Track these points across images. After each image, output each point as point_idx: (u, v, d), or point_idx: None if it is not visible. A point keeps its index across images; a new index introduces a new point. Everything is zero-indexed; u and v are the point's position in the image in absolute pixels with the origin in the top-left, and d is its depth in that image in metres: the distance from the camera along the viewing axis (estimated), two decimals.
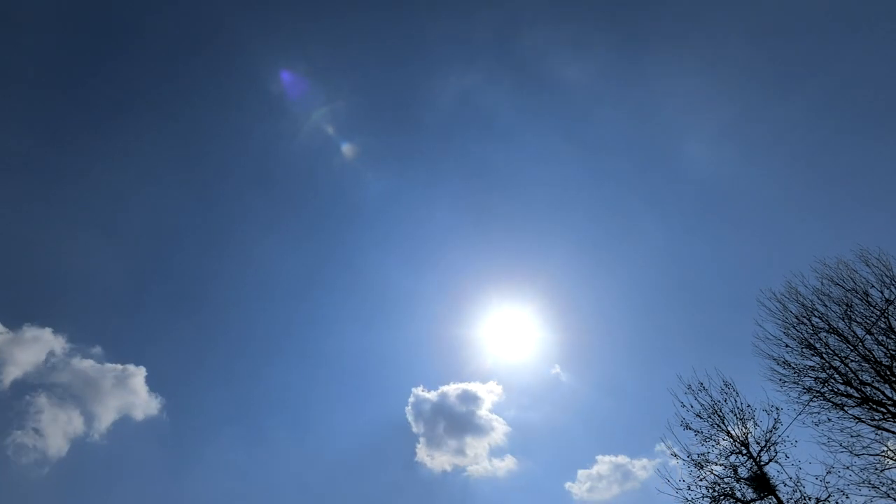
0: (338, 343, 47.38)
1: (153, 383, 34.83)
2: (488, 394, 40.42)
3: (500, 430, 38.40)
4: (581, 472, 36.13)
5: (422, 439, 38.87)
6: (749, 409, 12.59)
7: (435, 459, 37.37)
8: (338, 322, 48.28)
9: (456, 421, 38.25)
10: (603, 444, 41.86)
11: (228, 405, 40.03)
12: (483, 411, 39.19)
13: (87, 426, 31.83)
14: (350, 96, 48.27)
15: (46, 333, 33.10)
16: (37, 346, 32.48)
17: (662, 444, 13.03)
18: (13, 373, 30.88)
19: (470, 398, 39.93)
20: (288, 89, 43.98)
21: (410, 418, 38.53)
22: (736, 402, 12.74)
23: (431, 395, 39.57)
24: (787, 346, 13.08)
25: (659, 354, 43.45)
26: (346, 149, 45.87)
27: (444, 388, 40.25)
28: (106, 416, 32.62)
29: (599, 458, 36.58)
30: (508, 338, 45.79)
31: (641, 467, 34.95)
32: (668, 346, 44.08)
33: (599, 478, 36.11)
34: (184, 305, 44.44)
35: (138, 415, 33.79)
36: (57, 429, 30.52)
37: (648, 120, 46.74)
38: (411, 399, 39.56)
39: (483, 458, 37.24)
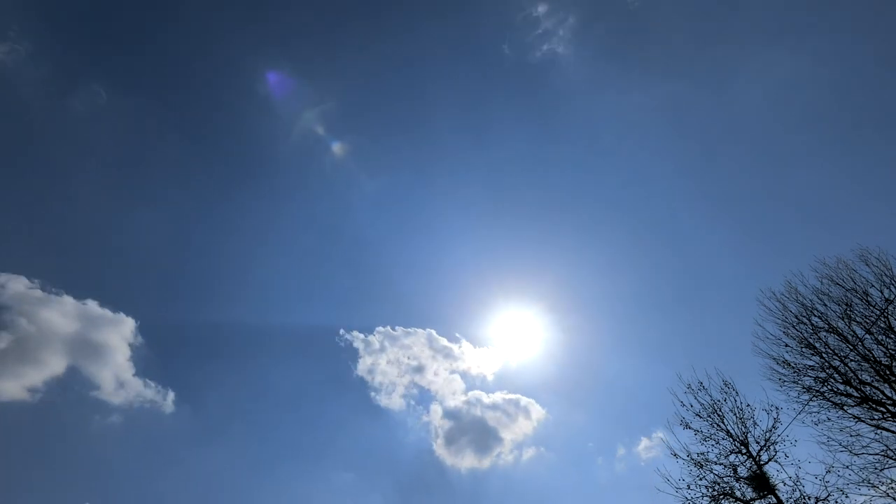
0: (335, 342, 47.33)
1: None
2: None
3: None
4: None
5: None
6: (749, 409, 12.61)
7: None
8: (336, 322, 48.24)
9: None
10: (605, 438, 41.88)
11: (231, 403, 40.31)
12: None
13: None
14: (340, 95, 48.30)
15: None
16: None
17: (662, 441, 13.05)
18: None
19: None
20: (275, 90, 43.97)
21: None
22: (735, 401, 12.76)
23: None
24: (786, 345, 13.10)
25: (658, 354, 43.50)
26: (337, 147, 45.88)
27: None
28: None
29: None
30: (509, 339, 46.11)
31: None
32: (667, 345, 44.14)
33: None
34: (181, 303, 44.41)
35: None
36: None
37: (649, 121, 46.76)
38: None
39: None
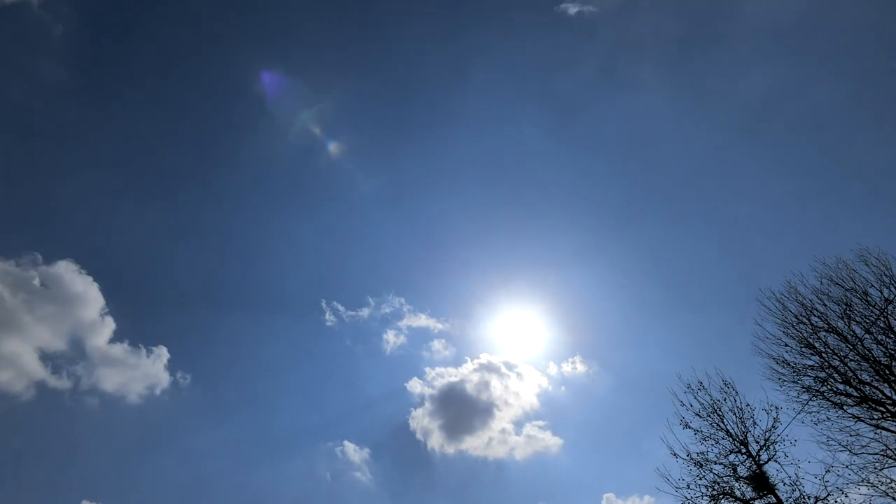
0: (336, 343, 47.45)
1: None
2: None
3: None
4: None
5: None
6: (748, 409, 12.63)
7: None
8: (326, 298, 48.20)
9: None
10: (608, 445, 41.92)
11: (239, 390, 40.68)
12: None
13: None
14: (336, 95, 48.25)
15: None
16: None
17: (662, 442, 13.06)
18: None
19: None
20: (270, 89, 43.96)
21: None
22: (735, 401, 12.78)
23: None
24: (786, 345, 13.09)
25: (658, 353, 43.50)
26: (334, 147, 45.86)
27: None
28: None
29: None
30: (511, 339, 46.24)
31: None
32: (667, 345, 44.13)
33: None
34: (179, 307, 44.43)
35: None
36: None
37: (650, 122, 46.74)
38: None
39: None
